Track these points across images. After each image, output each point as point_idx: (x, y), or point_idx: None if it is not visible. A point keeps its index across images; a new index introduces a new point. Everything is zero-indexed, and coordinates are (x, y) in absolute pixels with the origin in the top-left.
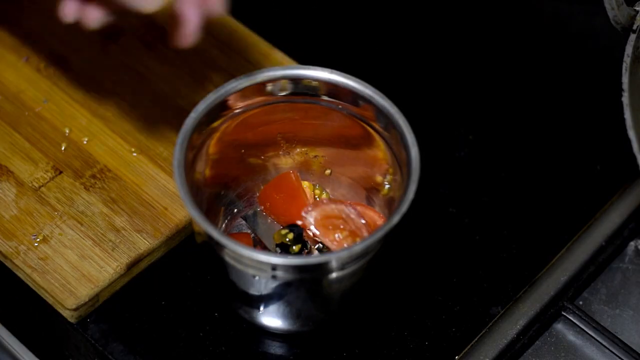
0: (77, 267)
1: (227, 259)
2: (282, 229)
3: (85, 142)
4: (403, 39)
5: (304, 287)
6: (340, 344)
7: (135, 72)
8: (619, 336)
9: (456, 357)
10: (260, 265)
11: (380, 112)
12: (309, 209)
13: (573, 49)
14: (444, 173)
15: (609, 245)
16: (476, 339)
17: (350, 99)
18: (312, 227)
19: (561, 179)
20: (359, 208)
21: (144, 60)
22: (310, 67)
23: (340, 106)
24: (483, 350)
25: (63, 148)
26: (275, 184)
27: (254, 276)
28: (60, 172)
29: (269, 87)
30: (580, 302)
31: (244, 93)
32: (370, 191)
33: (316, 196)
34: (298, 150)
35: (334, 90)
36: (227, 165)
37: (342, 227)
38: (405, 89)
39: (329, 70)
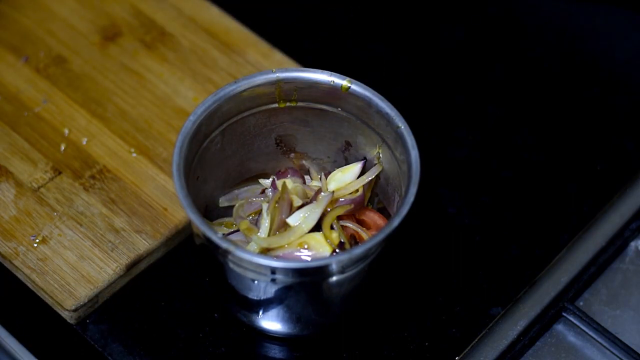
0: (76, 268)
1: (226, 262)
2: None
3: (84, 143)
4: (402, 40)
5: (304, 290)
6: (341, 345)
7: (134, 72)
8: (619, 337)
9: (456, 358)
10: (259, 269)
11: (380, 114)
12: None
13: (573, 49)
14: (444, 173)
15: (609, 245)
16: (476, 340)
17: (350, 101)
18: None
19: (561, 179)
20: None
21: (143, 60)
22: (310, 69)
23: (339, 108)
24: (483, 351)
25: (62, 148)
26: None
27: (253, 280)
28: (60, 173)
29: (268, 90)
30: (581, 303)
31: (243, 96)
32: None
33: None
34: (297, 153)
35: (334, 92)
36: (227, 167)
37: None
38: (405, 90)
39: (328, 72)
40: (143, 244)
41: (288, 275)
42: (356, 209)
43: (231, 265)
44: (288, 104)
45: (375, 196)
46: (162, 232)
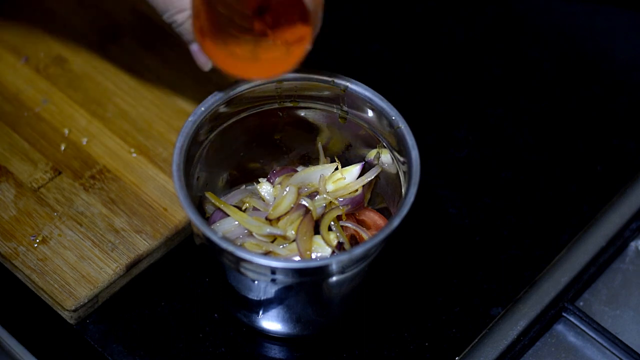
0: (76, 268)
1: (226, 262)
2: None
3: (84, 143)
4: (402, 39)
5: (304, 290)
6: (340, 345)
7: (135, 72)
8: (619, 337)
9: (456, 358)
10: (259, 269)
11: (380, 114)
12: None
13: (573, 49)
14: (444, 174)
15: (609, 245)
16: (476, 340)
17: (350, 102)
18: None
19: (561, 179)
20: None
21: (143, 60)
22: (310, 70)
23: (339, 108)
24: (483, 352)
25: (62, 148)
26: None
27: (253, 280)
28: (60, 173)
29: (268, 90)
30: (581, 303)
31: (243, 96)
32: None
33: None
34: (297, 153)
35: (334, 92)
36: (227, 167)
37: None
38: (405, 89)
39: (328, 72)
40: (143, 244)
41: (288, 276)
42: (356, 209)
43: (231, 265)
44: (288, 104)
45: (375, 196)
46: (162, 232)
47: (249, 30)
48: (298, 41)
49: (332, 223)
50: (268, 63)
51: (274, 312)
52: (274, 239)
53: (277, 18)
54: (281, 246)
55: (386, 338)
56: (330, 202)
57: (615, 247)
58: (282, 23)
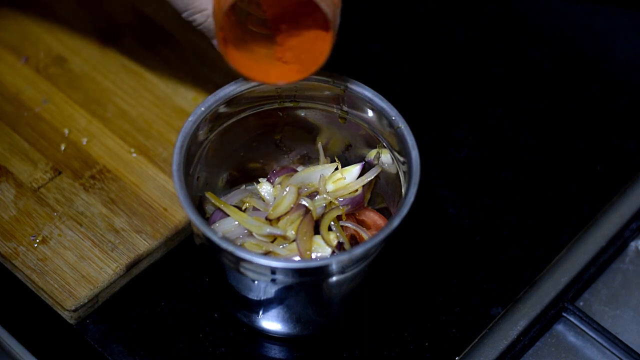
0: (76, 268)
1: (226, 262)
2: None
3: (84, 143)
4: (402, 39)
5: (304, 290)
6: (340, 345)
7: (134, 72)
8: (619, 337)
9: (456, 358)
10: (259, 269)
11: (380, 114)
12: None
13: (573, 49)
14: (444, 174)
15: (609, 245)
16: (476, 340)
17: (350, 102)
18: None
19: (561, 179)
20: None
21: (144, 60)
22: None
23: (339, 108)
24: (483, 351)
25: (62, 148)
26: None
27: (253, 280)
28: (60, 173)
29: (268, 90)
30: (581, 303)
31: (243, 96)
32: None
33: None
34: (297, 153)
35: (333, 92)
36: (227, 168)
37: None
38: (405, 89)
39: (328, 72)
40: (143, 244)
41: (288, 276)
42: (356, 209)
43: (231, 265)
44: (288, 104)
45: (375, 196)
46: (162, 232)
47: (270, 36)
48: (319, 46)
49: (332, 223)
50: (289, 68)
51: (274, 312)
52: (274, 239)
53: (297, 26)
54: (281, 246)
55: (386, 338)
56: (330, 202)
57: (615, 247)
58: (302, 29)
